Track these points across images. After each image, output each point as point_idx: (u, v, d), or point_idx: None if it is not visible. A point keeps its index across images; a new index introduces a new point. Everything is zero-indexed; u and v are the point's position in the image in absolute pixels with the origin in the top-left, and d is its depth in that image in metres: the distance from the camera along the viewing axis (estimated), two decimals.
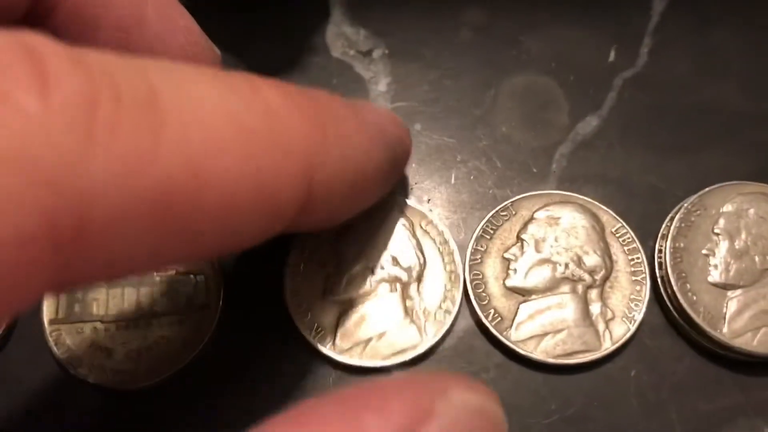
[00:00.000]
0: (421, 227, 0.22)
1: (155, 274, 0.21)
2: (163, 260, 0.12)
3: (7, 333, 0.20)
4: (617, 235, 0.22)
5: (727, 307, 0.21)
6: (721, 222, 0.22)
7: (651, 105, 0.24)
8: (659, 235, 0.22)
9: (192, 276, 0.21)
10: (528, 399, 0.20)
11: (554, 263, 0.21)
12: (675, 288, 0.21)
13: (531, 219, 0.22)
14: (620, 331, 0.21)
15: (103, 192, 0.09)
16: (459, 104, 0.24)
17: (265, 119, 0.12)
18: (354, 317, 0.20)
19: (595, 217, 0.22)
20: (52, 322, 0.20)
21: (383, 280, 0.21)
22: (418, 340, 0.20)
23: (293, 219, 0.13)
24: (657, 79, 0.25)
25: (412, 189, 0.23)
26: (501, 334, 0.21)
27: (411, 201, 0.22)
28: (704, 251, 0.21)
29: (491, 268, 0.22)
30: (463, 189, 0.23)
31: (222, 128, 0.11)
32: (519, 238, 0.22)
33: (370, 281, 0.21)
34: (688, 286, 0.21)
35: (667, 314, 0.21)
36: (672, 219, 0.22)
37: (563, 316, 0.21)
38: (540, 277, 0.21)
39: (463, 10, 0.26)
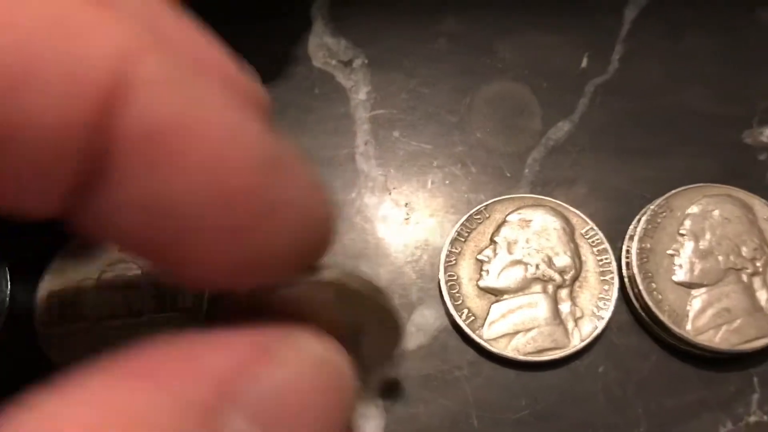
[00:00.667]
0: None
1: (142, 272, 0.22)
2: None
3: None
4: (587, 236, 0.23)
5: (691, 305, 0.21)
6: (687, 223, 0.22)
7: (622, 110, 0.25)
8: (627, 236, 0.23)
9: None
10: (499, 395, 0.21)
11: (526, 264, 0.22)
12: (641, 287, 0.21)
13: (504, 222, 0.23)
14: (588, 328, 0.21)
15: None
16: (436, 111, 0.25)
17: None
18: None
19: (565, 220, 0.23)
20: (44, 325, 0.21)
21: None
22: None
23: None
24: (628, 85, 0.26)
25: (390, 194, 0.24)
26: (474, 332, 0.21)
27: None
28: (670, 251, 0.22)
29: (465, 269, 0.22)
30: (439, 193, 0.24)
31: None
32: (492, 241, 0.23)
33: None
34: (653, 285, 0.22)
35: (634, 312, 0.22)
36: (639, 221, 0.23)
37: (534, 315, 0.22)
38: (512, 277, 0.22)
39: (440, 20, 0.27)
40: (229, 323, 0.10)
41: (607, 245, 0.22)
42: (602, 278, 0.22)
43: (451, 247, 0.23)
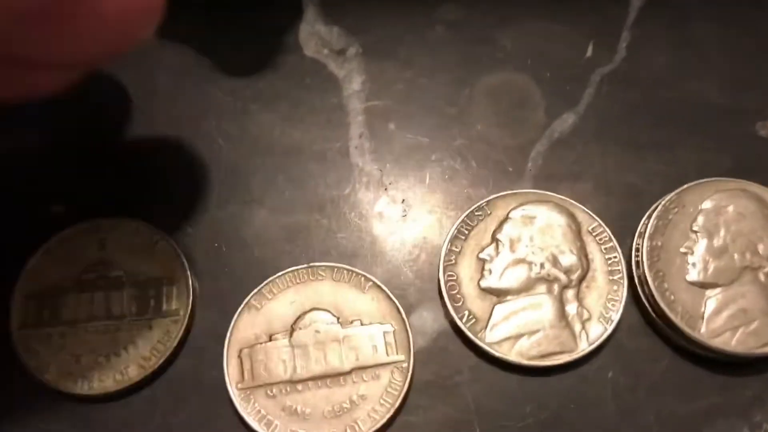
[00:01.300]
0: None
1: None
2: None
3: None
4: (594, 234, 0.22)
5: (705, 306, 0.20)
6: (700, 219, 0.21)
7: (629, 101, 0.24)
8: (636, 234, 0.22)
9: (162, 281, 0.21)
10: (502, 402, 0.20)
11: (530, 263, 0.21)
12: (652, 287, 0.20)
13: (506, 219, 0.22)
14: (597, 331, 0.20)
15: None
16: (434, 103, 0.24)
17: None
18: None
19: (571, 216, 0.22)
20: (20, 327, 0.20)
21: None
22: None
23: None
24: (635, 74, 0.25)
25: (386, 189, 0.23)
26: (475, 335, 0.20)
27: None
28: (682, 249, 0.21)
29: (466, 268, 0.21)
30: (438, 189, 0.23)
31: None
32: (494, 238, 0.22)
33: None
34: (665, 285, 0.20)
35: (645, 314, 0.21)
36: (649, 217, 0.22)
37: (539, 316, 0.20)
38: (515, 277, 0.21)
39: (437, 6, 0.26)
40: None
41: (615, 243, 0.21)
42: (611, 278, 0.21)
43: (451, 246, 0.22)
